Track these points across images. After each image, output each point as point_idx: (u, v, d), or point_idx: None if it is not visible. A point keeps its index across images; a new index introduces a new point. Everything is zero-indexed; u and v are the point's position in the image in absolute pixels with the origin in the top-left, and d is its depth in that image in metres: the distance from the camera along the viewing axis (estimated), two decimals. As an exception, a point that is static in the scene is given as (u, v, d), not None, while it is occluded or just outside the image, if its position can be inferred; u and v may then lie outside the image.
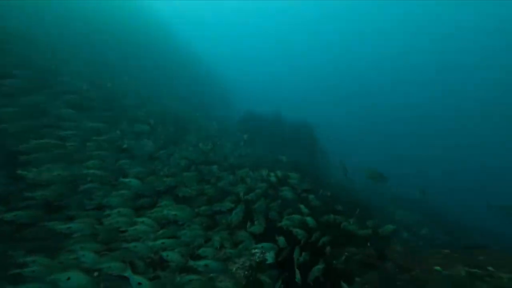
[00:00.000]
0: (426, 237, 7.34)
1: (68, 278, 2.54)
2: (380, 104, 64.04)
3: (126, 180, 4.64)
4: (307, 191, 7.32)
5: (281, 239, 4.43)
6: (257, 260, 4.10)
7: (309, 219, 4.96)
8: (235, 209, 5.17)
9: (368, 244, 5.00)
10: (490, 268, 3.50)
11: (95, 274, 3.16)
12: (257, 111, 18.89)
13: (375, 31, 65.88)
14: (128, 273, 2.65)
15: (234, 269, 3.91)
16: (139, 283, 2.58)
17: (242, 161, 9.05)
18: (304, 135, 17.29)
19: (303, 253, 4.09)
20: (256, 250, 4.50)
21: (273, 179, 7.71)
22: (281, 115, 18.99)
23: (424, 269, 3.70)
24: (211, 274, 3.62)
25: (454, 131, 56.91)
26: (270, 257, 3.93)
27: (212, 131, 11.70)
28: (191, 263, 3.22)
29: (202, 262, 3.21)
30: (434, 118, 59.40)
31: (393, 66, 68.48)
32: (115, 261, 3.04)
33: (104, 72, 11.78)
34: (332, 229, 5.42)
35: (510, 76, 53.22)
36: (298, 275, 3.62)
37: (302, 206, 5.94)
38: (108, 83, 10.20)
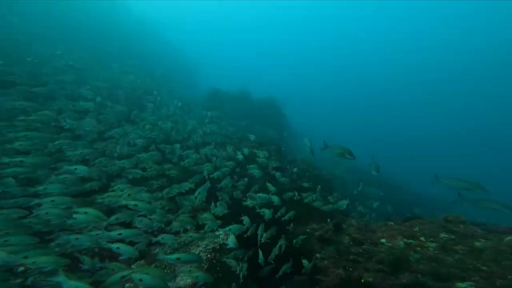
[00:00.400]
0: (378, 210, 8.46)
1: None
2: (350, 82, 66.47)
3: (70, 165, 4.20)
4: (275, 168, 7.58)
5: (246, 219, 4.57)
6: (221, 242, 4.22)
7: (274, 198, 5.17)
8: (198, 189, 5.03)
9: (328, 220, 5.55)
10: (422, 238, 4.20)
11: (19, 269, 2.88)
12: (223, 88, 18.20)
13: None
14: (61, 277, 2.32)
15: (197, 252, 3.98)
16: None
17: (207, 139, 8.88)
18: (272, 112, 17.47)
19: (266, 232, 4.36)
20: (220, 232, 4.62)
21: (240, 157, 7.78)
22: (248, 92, 18.65)
23: (373, 242, 4.29)
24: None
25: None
26: (231, 241, 4.03)
27: (175, 109, 11.04)
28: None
29: (174, 256, 3.18)
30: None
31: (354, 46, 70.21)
32: (45, 255, 2.69)
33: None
34: (297, 205, 5.83)
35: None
36: (261, 256, 3.87)
37: (269, 185, 6.21)
38: (28, 57, 8.72)
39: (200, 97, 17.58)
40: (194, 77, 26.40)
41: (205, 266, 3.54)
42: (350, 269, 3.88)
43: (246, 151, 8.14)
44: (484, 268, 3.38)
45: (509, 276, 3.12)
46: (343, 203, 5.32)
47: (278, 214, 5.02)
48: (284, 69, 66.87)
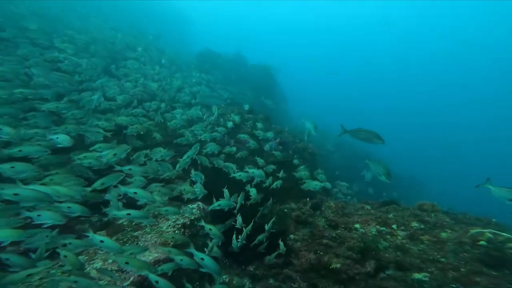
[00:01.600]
0: (358, 192, 8.70)
1: None
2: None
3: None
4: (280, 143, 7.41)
5: (226, 192, 4.47)
6: (192, 218, 4.20)
7: (256, 172, 5.01)
8: (185, 155, 4.72)
9: (307, 199, 5.64)
10: (394, 226, 4.34)
11: None
12: (217, 49, 16.87)
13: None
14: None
15: (164, 227, 3.89)
16: None
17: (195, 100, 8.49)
18: (266, 79, 16.64)
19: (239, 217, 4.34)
20: (193, 206, 4.56)
21: (229, 124, 7.42)
22: (243, 56, 17.45)
23: (348, 227, 4.41)
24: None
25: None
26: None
27: (160, 67, 10.25)
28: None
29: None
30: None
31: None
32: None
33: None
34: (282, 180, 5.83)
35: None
36: (234, 242, 3.86)
37: (258, 159, 6.13)
38: None
39: (192, 56, 16.36)
40: (188, 35, 24.33)
41: (171, 243, 3.53)
42: (321, 253, 4.03)
43: (237, 118, 7.81)
44: (443, 260, 3.55)
45: (462, 269, 3.29)
46: (328, 185, 5.34)
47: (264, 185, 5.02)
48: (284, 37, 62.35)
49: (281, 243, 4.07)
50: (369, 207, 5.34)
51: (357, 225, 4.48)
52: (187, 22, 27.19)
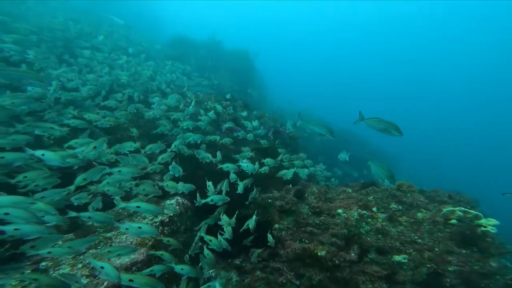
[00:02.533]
0: (342, 177, 8.87)
1: None
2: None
3: None
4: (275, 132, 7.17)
5: (210, 185, 4.30)
6: (171, 214, 4.00)
7: (250, 166, 4.91)
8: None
9: (290, 185, 5.59)
10: (374, 209, 4.46)
11: None
12: (189, 34, 15.88)
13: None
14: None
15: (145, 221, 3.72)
16: None
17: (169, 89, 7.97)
18: (244, 65, 16.14)
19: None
20: (171, 202, 4.37)
21: (211, 114, 6.88)
22: (217, 40, 16.64)
23: (330, 213, 4.45)
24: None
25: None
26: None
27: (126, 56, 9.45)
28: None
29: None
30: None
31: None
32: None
33: None
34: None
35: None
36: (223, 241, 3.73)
37: (246, 149, 5.93)
38: None
39: (164, 44, 15.27)
40: (159, 22, 22.60)
41: (150, 243, 3.33)
42: (306, 241, 4.05)
43: (218, 107, 7.42)
44: (419, 241, 3.72)
45: (436, 249, 3.47)
46: (305, 172, 5.33)
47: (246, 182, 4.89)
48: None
49: (269, 236, 4.01)
50: (350, 190, 5.44)
51: (340, 210, 4.53)
52: (157, 9, 25.25)
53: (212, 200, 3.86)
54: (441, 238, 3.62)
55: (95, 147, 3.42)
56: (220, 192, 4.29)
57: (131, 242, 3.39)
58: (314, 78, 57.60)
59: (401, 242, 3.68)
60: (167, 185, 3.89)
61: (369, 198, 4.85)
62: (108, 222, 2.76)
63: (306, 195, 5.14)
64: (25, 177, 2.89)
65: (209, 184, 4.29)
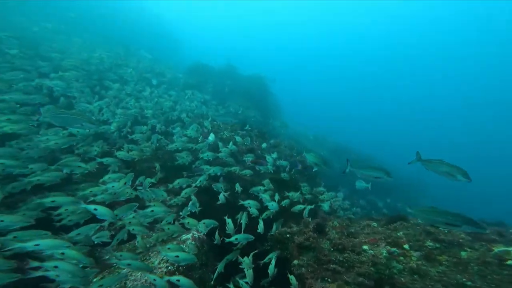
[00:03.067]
0: (364, 206, 8.27)
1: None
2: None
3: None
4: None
5: (229, 223, 4.14)
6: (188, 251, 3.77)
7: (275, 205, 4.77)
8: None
9: (310, 219, 5.22)
10: (406, 246, 3.97)
11: None
12: (208, 62, 16.80)
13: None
14: None
15: (157, 262, 3.50)
16: None
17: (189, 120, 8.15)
18: (259, 91, 16.48)
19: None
20: (187, 236, 4.18)
21: (232, 147, 6.65)
22: (234, 67, 17.38)
23: (355, 249, 4.02)
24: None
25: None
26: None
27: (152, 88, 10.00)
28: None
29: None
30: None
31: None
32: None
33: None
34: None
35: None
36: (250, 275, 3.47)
37: (266, 182, 5.70)
38: None
39: (183, 71, 16.20)
40: (177, 50, 24.47)
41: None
42: (329, 280, 3.63)
43: (238, 138, 7.36)
44: (469, 283, 3.18)
45: None
46: (326, 205, 5.00)
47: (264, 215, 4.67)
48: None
49: (292, 278, 3.68)
50: (375, 224, 4.97)
51: (365, 247, 4.10)
52: (177, 41, 27.37)
53: (236, 239, 3.71)
54: (499, 281, 3.07)
55: (125, 183, 3.67)
56: (239, 226, 4.13)
57: (145, 280, 3.22)
58: (327, 98, 57.82)
59: (444, 285, 3.17)
60: (188, 222, 3.80)
61: (398, 234, 4.36)
62: (145, 268, 2.73)
63: (326, 229, 4.75)
64: (66, 209, 3.08)
65: (229, 221, 4.11)
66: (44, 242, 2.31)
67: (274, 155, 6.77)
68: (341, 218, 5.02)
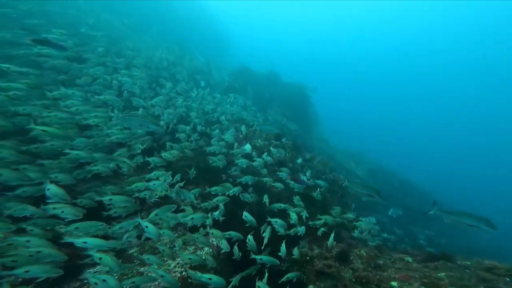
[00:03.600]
0: (399, 235, 7.46)
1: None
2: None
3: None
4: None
5: (250, 239, 4.00)
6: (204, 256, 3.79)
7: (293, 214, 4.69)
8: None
9: (334, 242, 4.89)
10: (445, 293, 3.49)
11: None
12: (252, 65, 17.24)
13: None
14: None
15: (173, 265, 3.58)
16: None
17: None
18: (299, 97, 16.26)
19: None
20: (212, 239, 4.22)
21: (268, 159, 6.41)
22: (276, 72, 17.49)
23: (380, 286, 3.69)
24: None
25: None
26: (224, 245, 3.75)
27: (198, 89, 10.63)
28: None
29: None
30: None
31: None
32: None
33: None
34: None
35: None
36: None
37: (296, 199, 5.52)
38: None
39: (229, 72, 16.86)
40: (229, 49, 25.51)
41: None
42: (347, 314, 3.40)
43: (273, 150, 7.07)
44: None
45: None
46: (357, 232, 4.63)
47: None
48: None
49: None
50: (410, 259, 4.47)
51: (394, 283, 3.71)
52: (228, 40, 28.52)
53: (261, 259, 3.66)
54: None
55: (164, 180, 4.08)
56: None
57: (158, 283, 3.36)
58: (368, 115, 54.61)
59: None
60: (212, 233, 3.74)
61: (439, 275, 3.85)
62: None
63: (351, 257, 4.44)
64: (110, 199, 3.49)
65: (250, 238, 3.96)
66: (90, 241, 2.67)
67: (308, 174, 6.57)
68: (369, 247, 4.64)
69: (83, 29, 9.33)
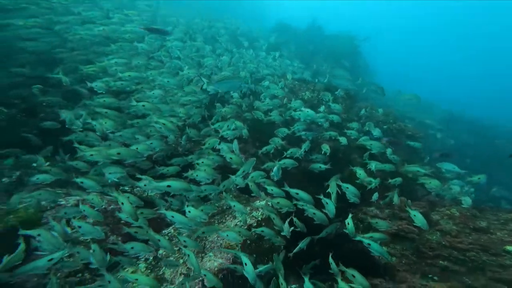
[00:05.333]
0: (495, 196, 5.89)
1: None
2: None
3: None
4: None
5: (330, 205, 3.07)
6: (260, 219, 3.53)
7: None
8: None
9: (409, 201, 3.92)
10: None
11: None
12: (291, 22, 15.39)
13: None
14: None
15: (232, 225, 3.43)
16: None
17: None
18: (347, 48, 14.04)
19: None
20: (262, 203, 3.75)
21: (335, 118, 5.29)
22: (319, 26, 15.33)
23: (488, 247, 2.78)
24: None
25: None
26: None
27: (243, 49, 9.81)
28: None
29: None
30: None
31: None
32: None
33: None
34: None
35: None
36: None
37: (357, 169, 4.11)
38: None
39: (266, 30, 15.39)
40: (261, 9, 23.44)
41: (237, 248, 3.04)
42: (435, 278, 2.69)
43: (335, 106, 5.87)
44: None
45: None
46: (432, 184, 3.51)
47: None
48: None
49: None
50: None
51: (510, 247, 2.78)
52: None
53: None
54: None
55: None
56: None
57: (221, 244, 3.16)
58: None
59: None
60: (278, 202, 3.15)
61: None
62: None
63: (435, 217, 3.49)
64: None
65: (329, 201, 3.06)
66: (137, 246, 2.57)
67: (377, 132, 5.42)
68: (463, 207, 3.60)
69: None
